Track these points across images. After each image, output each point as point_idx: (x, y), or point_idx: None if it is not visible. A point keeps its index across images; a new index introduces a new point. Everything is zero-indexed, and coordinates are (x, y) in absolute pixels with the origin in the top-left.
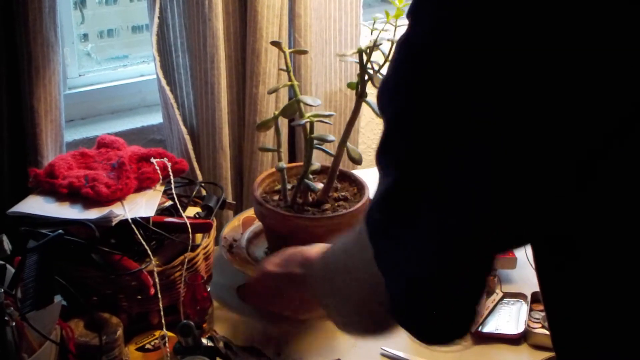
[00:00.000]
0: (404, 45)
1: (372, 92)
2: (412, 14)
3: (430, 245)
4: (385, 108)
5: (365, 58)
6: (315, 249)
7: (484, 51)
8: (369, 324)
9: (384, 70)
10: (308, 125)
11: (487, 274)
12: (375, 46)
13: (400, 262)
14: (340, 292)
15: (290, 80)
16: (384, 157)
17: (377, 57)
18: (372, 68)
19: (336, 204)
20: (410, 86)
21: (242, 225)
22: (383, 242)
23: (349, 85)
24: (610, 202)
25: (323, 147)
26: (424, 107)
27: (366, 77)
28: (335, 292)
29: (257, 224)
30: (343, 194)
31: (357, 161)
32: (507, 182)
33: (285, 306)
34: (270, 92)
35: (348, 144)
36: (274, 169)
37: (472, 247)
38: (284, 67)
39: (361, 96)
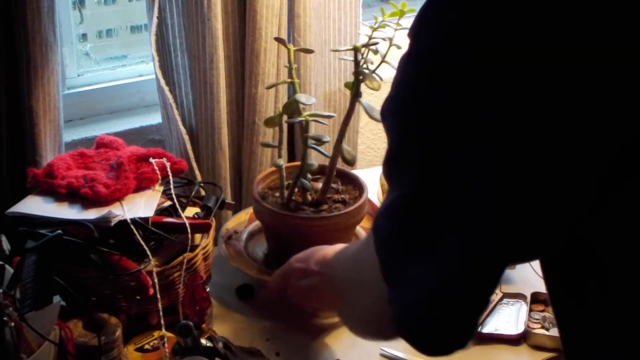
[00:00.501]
0: (406, 62)
1: (366, 92)
2: (412, 34)
3: (443, 257)
4: (391, 123)
5: (360, 57)
6: (336, 249)
7: (498, 53)
8: (375, 328)
9: (380, 70)
10: (304, 123)
11: (494, 287)
12: (370, 44)
13: (408, 274)
14: (346, 296)
15: (291, 77)
16: (392, 170)
17: (376, 59)
18: (367, 67)
19: (334, 204)
20: (416, 100)
21: (249, 220)
22: (391, 254)
23: (346, 85)
24: (620, 210)
25: (320, 147)
26: (432, 120)
27: (360, 77)
28: (342, 295)
29: (256, 223)
30: (343, 196)
31: (349, 162)
32: (518, 192)
33: (304, 302)
34: (268, 88)
35: (343, 144)
36: (273, 168)
37: (485, 260)
38: (287, 65)
39: (356, 95)
